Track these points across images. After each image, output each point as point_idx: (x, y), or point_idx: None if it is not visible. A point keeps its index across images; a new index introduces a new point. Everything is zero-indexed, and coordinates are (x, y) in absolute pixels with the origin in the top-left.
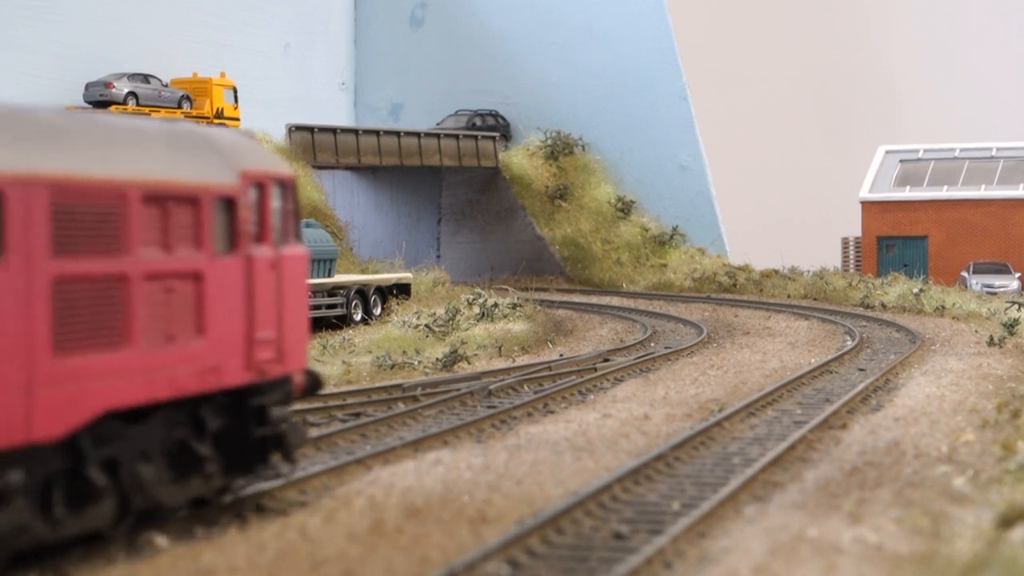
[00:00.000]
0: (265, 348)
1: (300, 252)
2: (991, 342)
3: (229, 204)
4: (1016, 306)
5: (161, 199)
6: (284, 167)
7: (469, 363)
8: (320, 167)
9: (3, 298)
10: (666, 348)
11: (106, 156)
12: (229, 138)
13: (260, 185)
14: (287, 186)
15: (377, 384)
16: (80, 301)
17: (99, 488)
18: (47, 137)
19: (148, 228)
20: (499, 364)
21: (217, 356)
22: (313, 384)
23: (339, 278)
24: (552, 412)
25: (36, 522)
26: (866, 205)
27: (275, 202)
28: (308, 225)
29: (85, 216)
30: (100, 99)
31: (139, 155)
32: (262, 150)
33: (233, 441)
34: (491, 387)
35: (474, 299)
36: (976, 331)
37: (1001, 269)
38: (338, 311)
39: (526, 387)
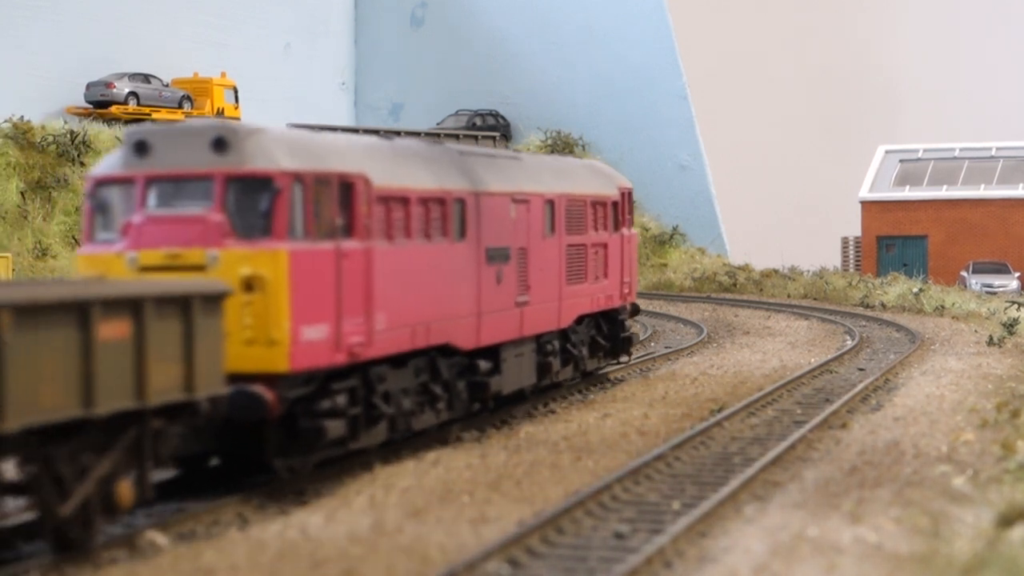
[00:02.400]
0: (626, 285)
1: (635, 232)
2: (990, 342)
3: (615, 205)
4: (1015, 306)
5: (595, 203)
6: (628, 182)
7: None
8: None
9: (551, 254)
10: (666, 348)
11: (579, 182)
12: (608, 168)
13: (623, 194)
14: (630, 193)
15: None
16: (572, 257)
17: (574, 356)
18: (561, 172)
19: (591, 218)
20: None
21: (611, 289)
22: (635, 310)
23: None
24: (552, 412)
25: (548, 371)
26: (866, 205)
27: (626, 203)
28: None
29: (573, 213)
30: (101, 99)
31: (586, 180)
32: (619, 174)
33: (609, 339)
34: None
35: None
36: (976, 331)
37: (1000, 269)
38: None
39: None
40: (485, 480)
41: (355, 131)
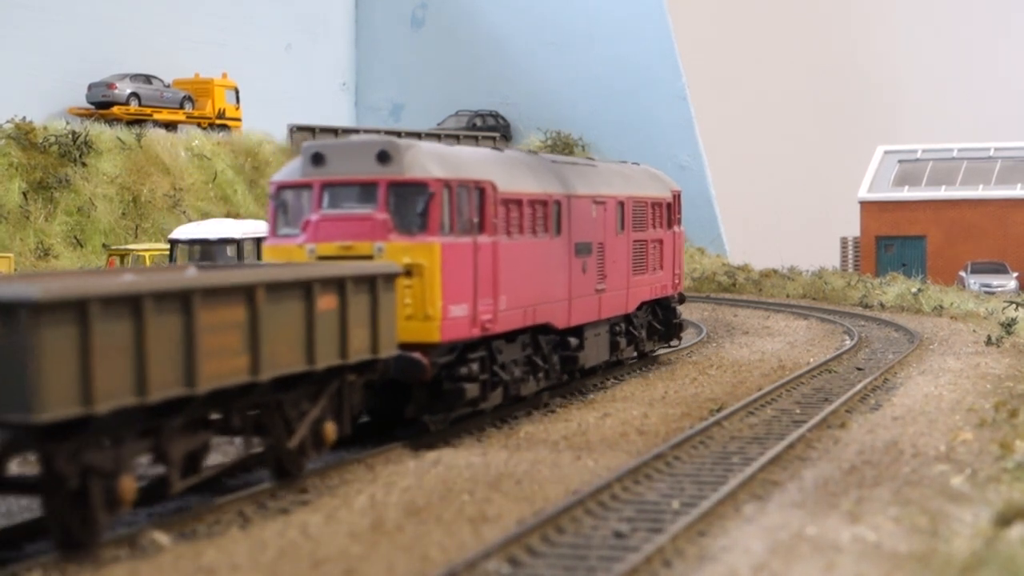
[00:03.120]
0: (676, 276)
1: (682, 230)
2: (989, 341)
3: (668, 206)
4: (1014, 305)
5: (653, 204)
6: (677, 185)
7: None
8: None
9: (622, 248)
10: (665, 347)
11: (641, 185)
12: (662, 173)
13: (674, 196)
14: (679, 195)
15: None
16: (636, 251)
17: (636, 337)
18: (627, 177)
19: (650, 217)
20: None
21: (665, 280)
22: (681, 298)
23: None
24: (552, 412)
25: (617, 349)
26: (865, 205)
27: (676, 204)
28: None
29: (638, 213)
30: (103, 100)
31: (646, 184)
32: (670, 179)
33: (663, 324)
34: None
35: None
36: (974, 330)
37: (999, 268)
38: None
39: None
40: (485, 479)
41: (356, 132)
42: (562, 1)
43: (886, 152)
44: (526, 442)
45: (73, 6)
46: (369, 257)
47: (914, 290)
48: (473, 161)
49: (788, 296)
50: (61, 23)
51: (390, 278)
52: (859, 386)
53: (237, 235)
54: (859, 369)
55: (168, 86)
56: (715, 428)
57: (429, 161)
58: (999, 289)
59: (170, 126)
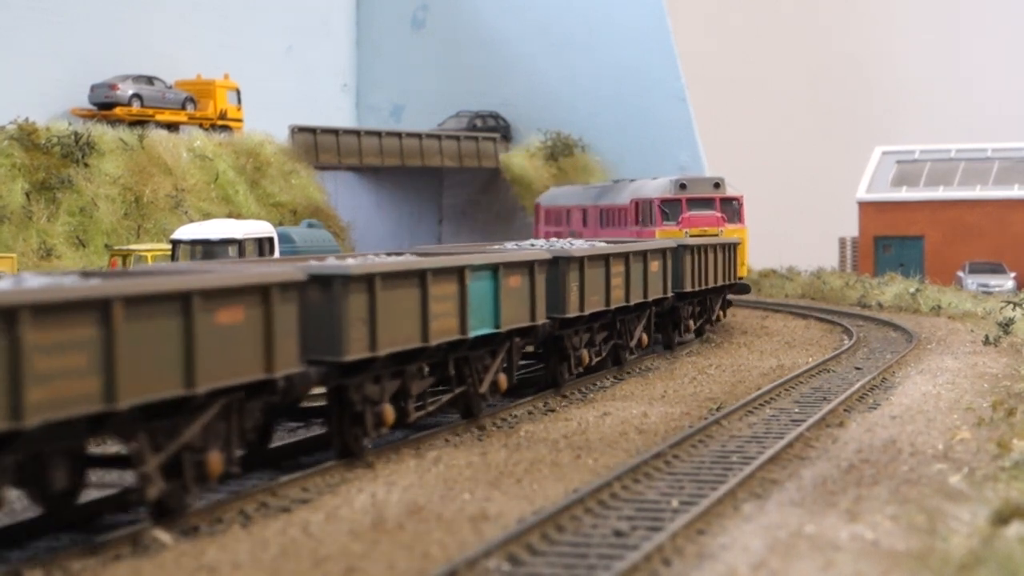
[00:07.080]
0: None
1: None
2: (986, 341)
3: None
4: (1011, 305)
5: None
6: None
7: None
8: (322, 168)
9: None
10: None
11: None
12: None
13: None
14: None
15: None
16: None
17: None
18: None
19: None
20: None
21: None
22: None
23: None
24: (552, 411)
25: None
26: (863, 205)
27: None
28: (311, 225)
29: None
30: (105, 101)
31: None
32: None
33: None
34: None
35: None
36: (972, 330)
37: (996, 269)
38: None
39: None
40: (486, 478)
41: (357, 133)
42: (562, 3)
43: (884, 153)
44: (526, 441)
45: (75, 7)
46: (715, 235)
47: (912, 290)
48: (735, 187)
49: (787, 296)
50: (63, 24)
51: (736, 245)
52: (857, 385)
53: (239, 235)
54: (857, 368)
55: (170, 87)
56: (714, 427)
57: (731, 188)
58: (997, 289)
59: (172, 127)
